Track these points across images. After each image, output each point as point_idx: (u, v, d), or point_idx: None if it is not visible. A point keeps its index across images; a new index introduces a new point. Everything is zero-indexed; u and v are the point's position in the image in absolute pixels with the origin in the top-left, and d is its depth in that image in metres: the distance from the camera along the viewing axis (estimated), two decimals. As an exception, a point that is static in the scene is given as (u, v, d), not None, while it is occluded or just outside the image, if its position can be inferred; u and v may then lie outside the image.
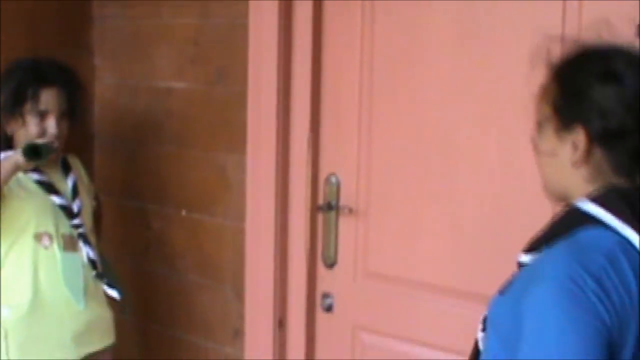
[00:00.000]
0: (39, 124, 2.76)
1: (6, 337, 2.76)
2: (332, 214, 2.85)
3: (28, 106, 2.76)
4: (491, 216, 2.52)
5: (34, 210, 2.77)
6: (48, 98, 2.77)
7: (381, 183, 2.75)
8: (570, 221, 1.61)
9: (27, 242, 2.77)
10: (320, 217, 2.90)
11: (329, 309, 2.92)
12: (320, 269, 2.93)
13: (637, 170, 1.62)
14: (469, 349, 2.57)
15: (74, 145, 3.04)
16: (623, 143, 1.59)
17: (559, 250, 1.56)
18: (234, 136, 3.02)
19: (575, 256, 1.51)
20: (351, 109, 2.79)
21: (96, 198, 3.12)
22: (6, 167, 2.64)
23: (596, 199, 1.59)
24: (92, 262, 2.89)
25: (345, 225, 2.84)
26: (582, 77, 1.62)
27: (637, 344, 1.50)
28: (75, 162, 3.02)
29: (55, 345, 2.83)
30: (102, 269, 2.94)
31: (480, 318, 1.77)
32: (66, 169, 2.93)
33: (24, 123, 2.77)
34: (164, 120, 3.29)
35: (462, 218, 2.58)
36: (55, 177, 2.87)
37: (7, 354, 2.76)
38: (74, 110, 2.86)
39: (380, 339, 2.83)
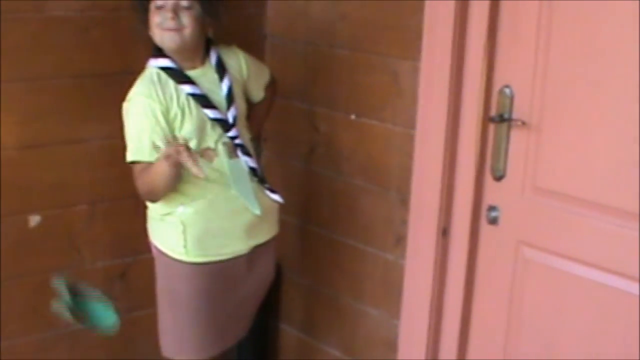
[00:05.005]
0: (159, 15, 2.77)
1: (184, 231, 2.85)
2: (504, 126, 2.80)
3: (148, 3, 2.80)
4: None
5: (191, 129, 2.80)
6: None
7: (556, 97, 2.68)
8: None
9: None
10: (491, 129, 2.85)
11: (493, 221, 2.89)
12: (488, 180, 2.89)
13: None
14: (634, 272, 2.54)
15: (245, 45, 3.09)
16: None
17: None
18: (409, 42, 2.98)
19: None
20: (530, 19, 2.70)
21: (270, 84, 3.15)
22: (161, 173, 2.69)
23: None
24: (253, 170, 2.93)
25: (517, 138, 2.79)
26: None
27: None
28: (233, 56, 3.00)
29: (229, 237, 2.91)
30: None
31: None
32: (221, 70, 2.92)
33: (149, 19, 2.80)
34: (337, 24, 3.27)
35: (640, 138, 2.50)
36: (209, 83, 2.88)
37: (185, 247, 2.86)
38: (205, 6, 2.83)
39: (544, 255, 2.79)
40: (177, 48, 2.80)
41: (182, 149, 2.56)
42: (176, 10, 2.76)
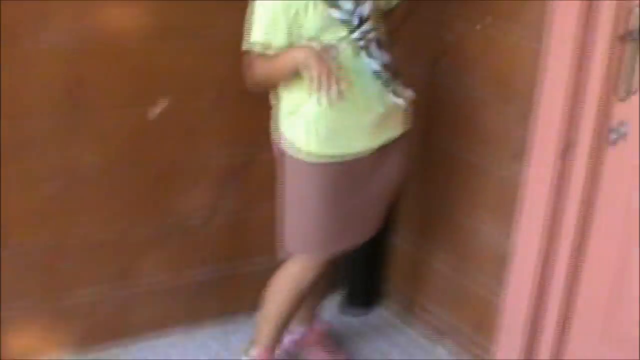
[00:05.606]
0: None
1: (312, 128, 2.87)
2: (637, 43, 2.71)
3: None
4: None
5: (314, 26, 2.79)
6: None
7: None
8: None
9: None
10: (623, 44, 2.75)
11: (618, 141, 2.82)
12: (616, 98, 2.81)
13: None
14: None
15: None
16: None
17: None
18: (545, -47, 2.91)
19: None
20: None
21: None
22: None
23: None
24: (384, 66, 2.90)
25: (649, 57, 2.70)
26: None
27: None
28: None
29: (355, 134, 2.92)
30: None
31: None
32: None
33: None
34: None
35: None
36: None
37: (313, 142, 2.88)
38: None
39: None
40: None
41: (330, 72, 2.65)
42: None
